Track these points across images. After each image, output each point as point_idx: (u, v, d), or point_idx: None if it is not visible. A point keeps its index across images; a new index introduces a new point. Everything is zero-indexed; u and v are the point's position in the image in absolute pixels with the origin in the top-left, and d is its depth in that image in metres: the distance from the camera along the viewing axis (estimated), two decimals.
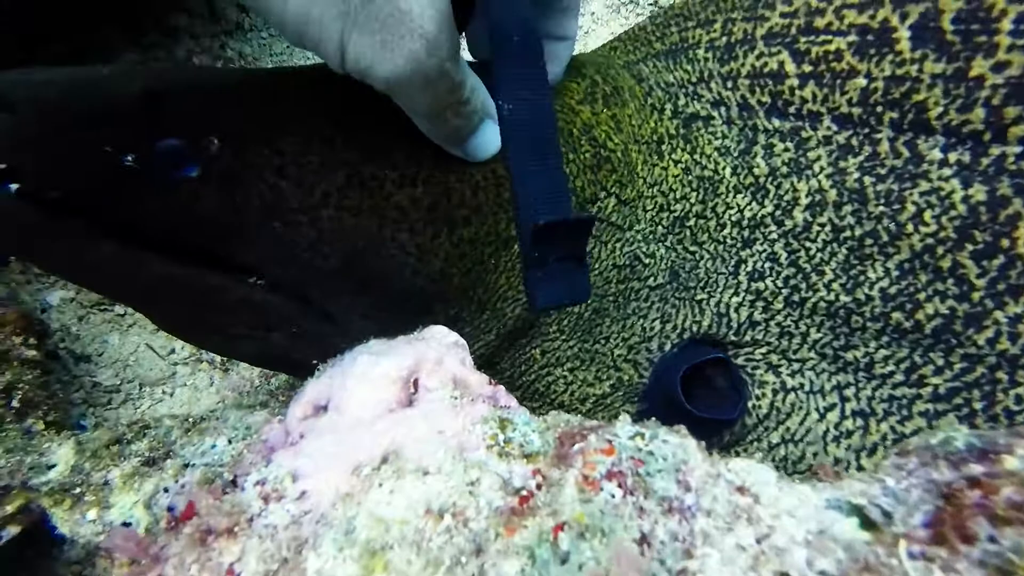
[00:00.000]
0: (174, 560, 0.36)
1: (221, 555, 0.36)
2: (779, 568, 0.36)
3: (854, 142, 0.80)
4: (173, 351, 1.35)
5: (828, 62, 0.78)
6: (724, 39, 0.85)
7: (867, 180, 0.79)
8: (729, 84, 0.85)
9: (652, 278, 0.89)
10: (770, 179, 0.85)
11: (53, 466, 0.62)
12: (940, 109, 0.74)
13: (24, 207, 0.62)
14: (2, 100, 0.60)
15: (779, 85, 0.82)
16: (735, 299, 0.87)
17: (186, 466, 0.54)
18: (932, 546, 0.33)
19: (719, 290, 0.87)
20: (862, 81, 0.77)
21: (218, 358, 1.41)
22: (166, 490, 0.55)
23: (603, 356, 0.90)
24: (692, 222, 0.88)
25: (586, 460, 0.44)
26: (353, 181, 0.72)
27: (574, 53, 0.86)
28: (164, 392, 1.24)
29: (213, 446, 0.56)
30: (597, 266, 0.87)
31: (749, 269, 0.86)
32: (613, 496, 0.40)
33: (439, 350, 0.64)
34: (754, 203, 0.86)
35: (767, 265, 0.85)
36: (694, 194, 0.88)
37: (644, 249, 0.88)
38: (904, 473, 0.40)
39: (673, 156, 0.88)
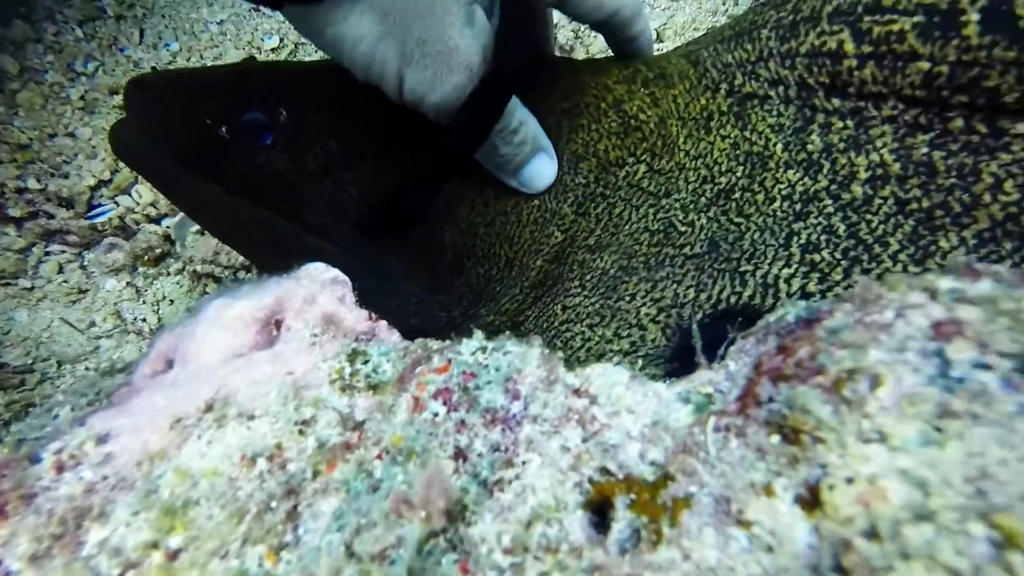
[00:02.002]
0: None
1: None
2: (600, 464, 0.34)
3: (923, 120, 0.76)
4: (93, 324, 1.30)
5: (889, 43, 0.74)
6: (791, 17, 0.81)
7: (936, 155, 0.76)
8: (787, 63, 0.82)
9: (689, 247, 0.88)
10: (824, 155, 0.82)
11: None
12: (1016, 95, 0.69)
13: (162, 158, 0.86)
14: (143, 86, 0.88)
15: (837, 66, 0.78)
16: (786, 271, 0.84)
17: (21, 441, 0.51)
18: (735, 417, 0.31)
19: (767, 262, 0.85)
20: (925, 65, 0.72)
21: (147, 327, 1.36)
22: None
23: (625, 313, 0.89)
24: (738, 195, 0.87)
25: (419, 382, 0.41)
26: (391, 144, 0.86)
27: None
28: (88, 368, 1.20)
29: (55, 416, 0.52)
30: (627, 227, 0.88)
31: (803, 241, 0.84)
32: (436, 415, 0.38)
33: (311, 288, 0.60)
34: (807, 178, 0.83)
35: (823, 237, 0.82)
36: (741, 168, 0.87)
37: (681, 217, 0.88)
38: (742, 354, 0.37)
39: (722, 132, 0.88)
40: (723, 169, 0.87)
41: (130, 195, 1.42)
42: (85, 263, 1.37)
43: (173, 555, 0.32)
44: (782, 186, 0.84)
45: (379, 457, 0.37)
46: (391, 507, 0.33)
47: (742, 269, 0.86)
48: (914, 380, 0.27)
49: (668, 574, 0.28)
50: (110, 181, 1.41)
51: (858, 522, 0.26)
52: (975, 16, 0.69)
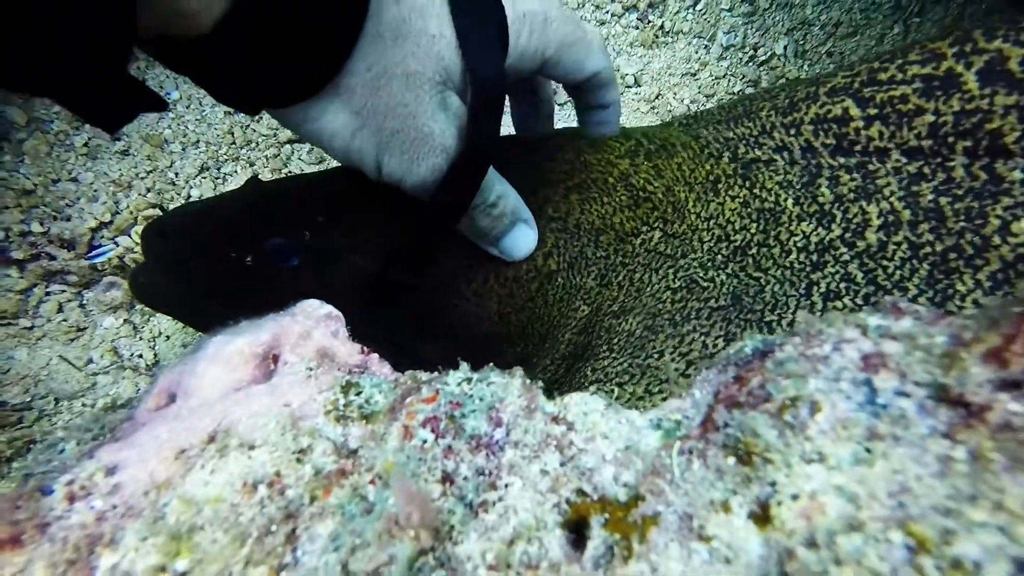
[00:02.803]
0: None
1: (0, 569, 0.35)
2: (577, 486, 0.37)
3: (926, 170, 0.81)
4: (91, 361, 1.32)
5: (894, 105, 0.80)
6: (787, 100, 0.88)
7: (943, 200, 0.80)
8: (792, 131, 0.87)
9: (713, 299, 0.89)
10: (836, 205, 0.85)
11: None
12: (1017, 134, 0.74)
13: (188, 297, 0.86)
14: (160, 232, 0.85)
15: (843, 128, 0.83)
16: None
17: (28, 476, 0.52)
18: (698, 441, 0.34)
19: (790, 311, 0.87)
20: (930, 117, 0.77)
21: (143, 363, 1.38)
22: None
23: (655, 370, 0.90)
24: (754, 250, 0.89)
25: (408, 411, 0.44)
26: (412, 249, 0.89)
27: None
28: (84, 405, 1.21)
29: (61, 451, 0.54)
30: (649, 290, 0.90)
31: (823, 290, 0.86)
32: (425, 442, 0.41)
33: (306, 324, 0.62)
34: (820, 228, 0.86)
35: (843, 285, 0.85)
36: (754, 224, 0.89)
37: (702, 274, 0.90)
38: (706, 383, 0.40)
39: (730, 192, 0.90)
40: (736, 227, 0.90)
41: (129, 236, 1.46)
42: (84, 302, 1.39)
43: None
44: (797, 238, 0.87)
45: (372, 482, 0.39)
46: (383, 527, 0.35)
47: (767, 319, 0.87)
48: (846, 406, 0.31)
49: None
50: (110, 223, 1.45)
51: (800, 533, 0.29)
52: (973, 76, 0.75)
